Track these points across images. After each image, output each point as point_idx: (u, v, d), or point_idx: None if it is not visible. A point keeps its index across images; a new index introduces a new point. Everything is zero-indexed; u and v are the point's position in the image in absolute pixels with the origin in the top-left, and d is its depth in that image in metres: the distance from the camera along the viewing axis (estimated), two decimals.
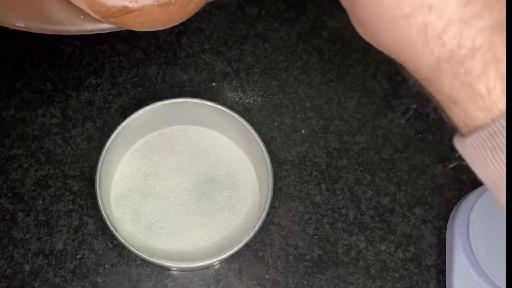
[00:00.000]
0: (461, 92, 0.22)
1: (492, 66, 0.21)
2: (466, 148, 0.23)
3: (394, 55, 0.25)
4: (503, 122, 0.20)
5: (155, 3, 0.28)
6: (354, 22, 0.26)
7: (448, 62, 0.22)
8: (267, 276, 0.47)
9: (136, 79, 0.54)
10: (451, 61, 0.22)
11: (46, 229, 0.47)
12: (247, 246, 0.46)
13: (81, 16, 0.30)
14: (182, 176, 0.49)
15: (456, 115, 0.23)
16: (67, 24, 0.29)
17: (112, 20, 0.29)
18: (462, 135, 0.23)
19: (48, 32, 0.29)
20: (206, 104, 0.46)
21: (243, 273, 0.47)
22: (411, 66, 0.24)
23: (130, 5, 0.28)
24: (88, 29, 0.31)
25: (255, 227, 0.42)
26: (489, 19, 0.21)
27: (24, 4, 0.28)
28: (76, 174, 0.50)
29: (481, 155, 0.22)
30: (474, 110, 0.22)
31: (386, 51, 0.25)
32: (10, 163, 0.50)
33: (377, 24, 0.23)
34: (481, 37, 0.21)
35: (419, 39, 0.22)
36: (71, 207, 0.48)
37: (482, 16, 0.21)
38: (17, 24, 0.28)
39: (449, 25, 0.21)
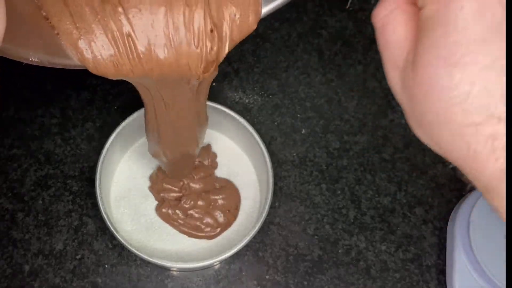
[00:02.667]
0: None
1: None
2: None
3: (453, 158, 0.25)
4: None
5: None
6: (413, 122, 0.26)
7: None
8: (267, 277, 0.47)
9: None
10: None
11: (45, 229, 0.47)
12: (247, 246, 0.46)
13: None
14: None
15: None
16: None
17: None
18: None
19: (59, 66, 0.30)
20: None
21: (243, 273, 0.47)
22: (471, 170, 0.24)
23: None
24: None
25: (255, 227, 0.42)
26: None
27: (37, 39, 0.29)
28: (76, 174, 0.50)
29: None
30: None
31: (445, 153, 0.25)
32: (9, 163, 0.50)
33: (440, 129, 0.23)
34: None
35: (486, 147, 0.22)
36: (71, 207, 0.48)
37: None
38: (30, 59, 0.29)
39: None
